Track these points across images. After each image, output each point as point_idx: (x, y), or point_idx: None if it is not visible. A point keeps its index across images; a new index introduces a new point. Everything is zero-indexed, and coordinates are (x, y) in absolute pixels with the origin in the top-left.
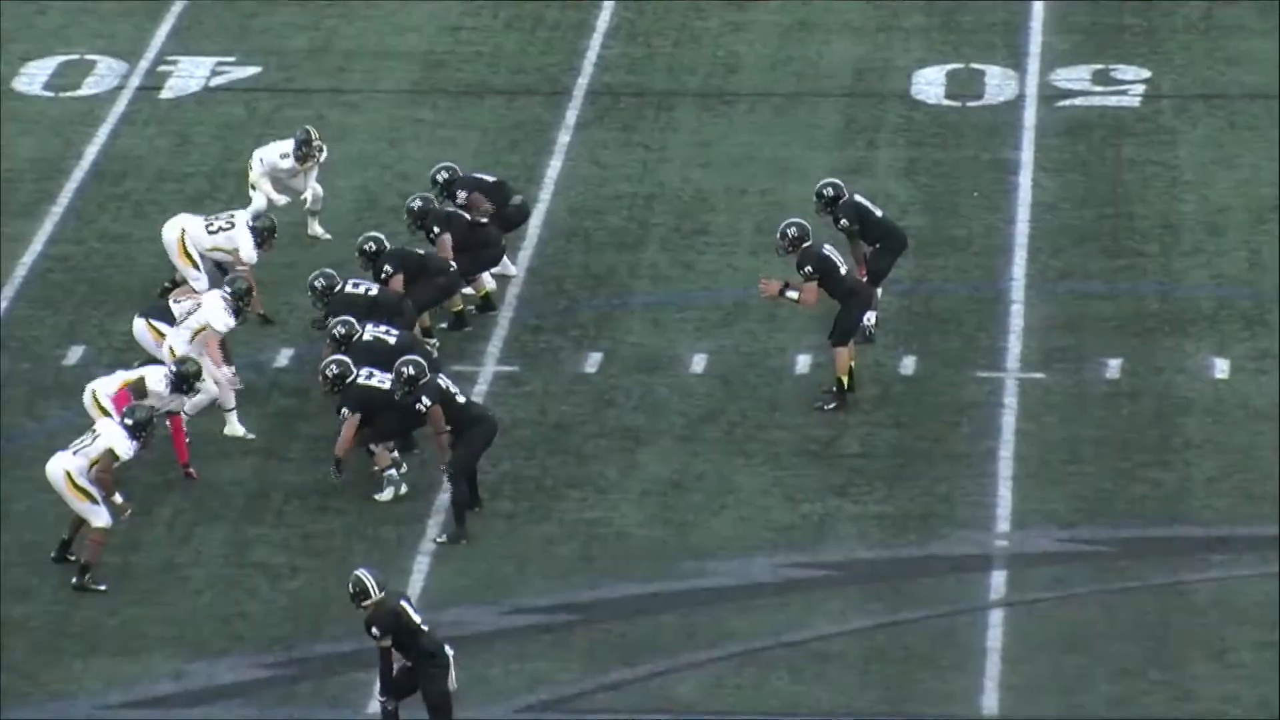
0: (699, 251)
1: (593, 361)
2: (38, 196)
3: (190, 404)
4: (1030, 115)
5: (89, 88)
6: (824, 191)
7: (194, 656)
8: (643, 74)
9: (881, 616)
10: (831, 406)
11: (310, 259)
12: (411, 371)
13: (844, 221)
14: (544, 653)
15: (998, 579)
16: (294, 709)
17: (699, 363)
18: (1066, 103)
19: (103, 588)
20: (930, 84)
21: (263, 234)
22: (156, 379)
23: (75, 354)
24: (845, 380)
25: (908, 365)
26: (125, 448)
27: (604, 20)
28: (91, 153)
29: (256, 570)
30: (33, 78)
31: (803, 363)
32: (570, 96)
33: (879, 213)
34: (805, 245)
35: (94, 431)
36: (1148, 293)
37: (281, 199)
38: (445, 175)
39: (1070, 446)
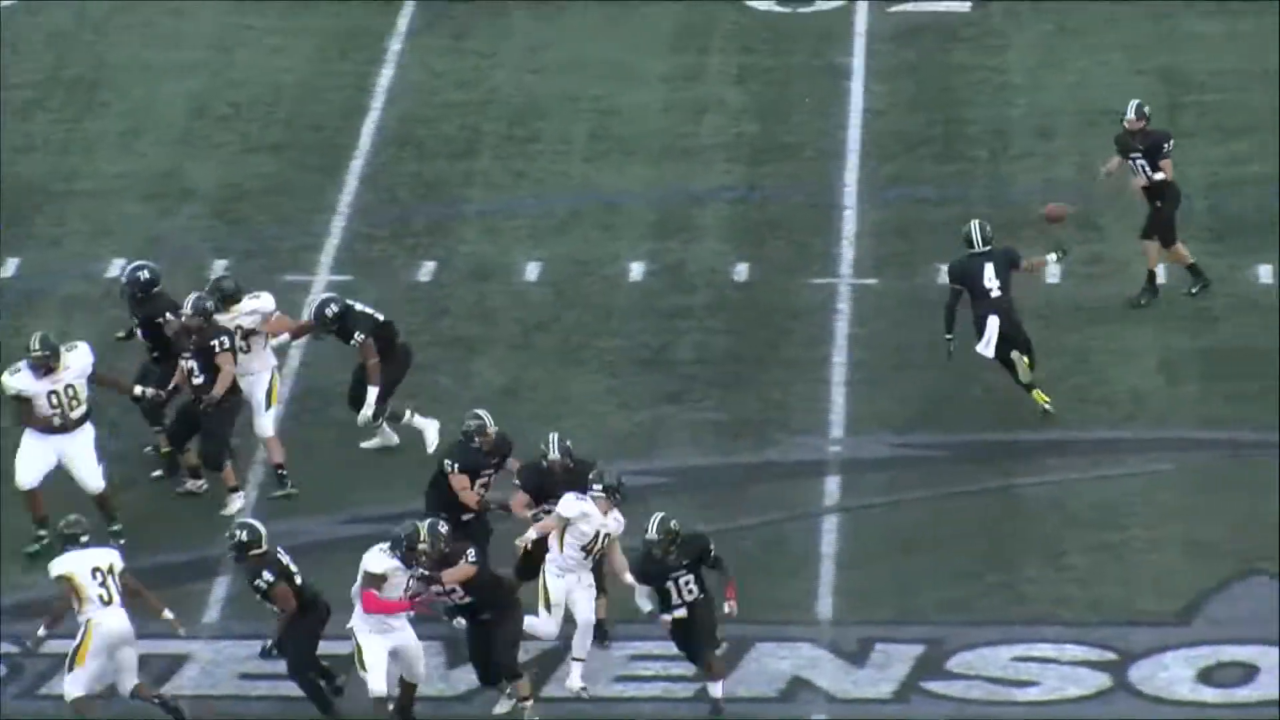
0: (532, 159)
1: (426, 270)
2: None
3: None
4: (861, 21)
5: None
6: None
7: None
8: None
9: (717, 523)
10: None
11: (140, 169)
12: (244, 537)
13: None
14: None
15: (832, 484)
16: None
17: (533, 271)
18: (897, 8)
19: None
20: None
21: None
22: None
23: None
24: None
25: (741, 272)
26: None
27: None
28: None
29: None
30: None
31: (636, 270)
32: (402, 3)
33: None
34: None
35: None
36: (978, 198)
37: None
38: (336, 309)
39: (903, 352)
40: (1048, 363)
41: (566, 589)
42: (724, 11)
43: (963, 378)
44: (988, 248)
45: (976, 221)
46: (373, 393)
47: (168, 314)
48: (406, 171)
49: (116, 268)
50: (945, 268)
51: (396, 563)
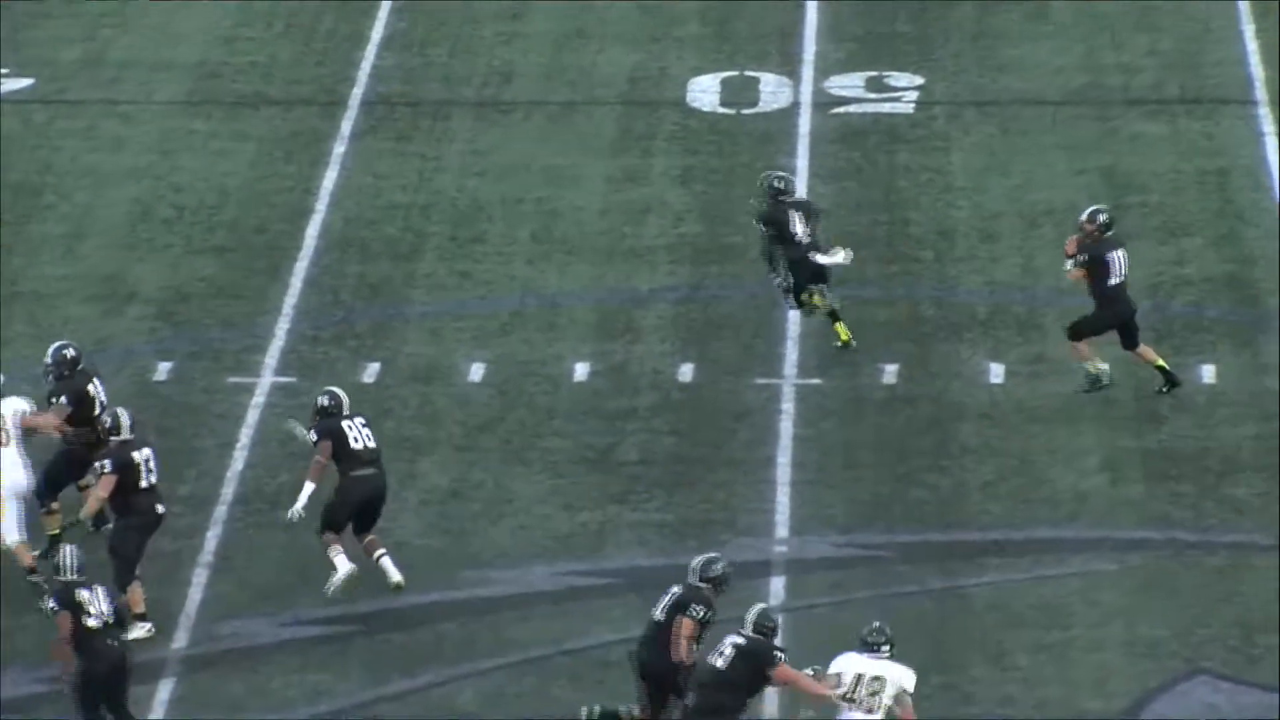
0: (476, 260)
1: (370, 372)
2: None
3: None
4: (805, 122)
5: None
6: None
7: None
8: (418, 83)
9: None
10: (1168, 389)
11: (84, 271)
12: (325, 402)
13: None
14: (324, 664)
15: (777, 584)
16: None
17: (476, 372)
18: (841, 110)
19: None
20: (705, 91)
21: None
22: None
23: None
24: (1162, 364)
25: (685, 372)
26: None
27: (378, 30)
28: None
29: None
30: None
31: (580, 371)
32: (345, 107)
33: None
34: (1108, 235)
35: None
36: (922, 298)
37: None
38: (325, 402)
39: (847, 452)
40: (991, 462)
41: None
42: (667, 113)
43: (906, 478)
44: (794, 197)
45: (778, 172)
46: (308, 488)
47: (62, 398)
48: (350, 273)
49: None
50: (889, 367)
51: None
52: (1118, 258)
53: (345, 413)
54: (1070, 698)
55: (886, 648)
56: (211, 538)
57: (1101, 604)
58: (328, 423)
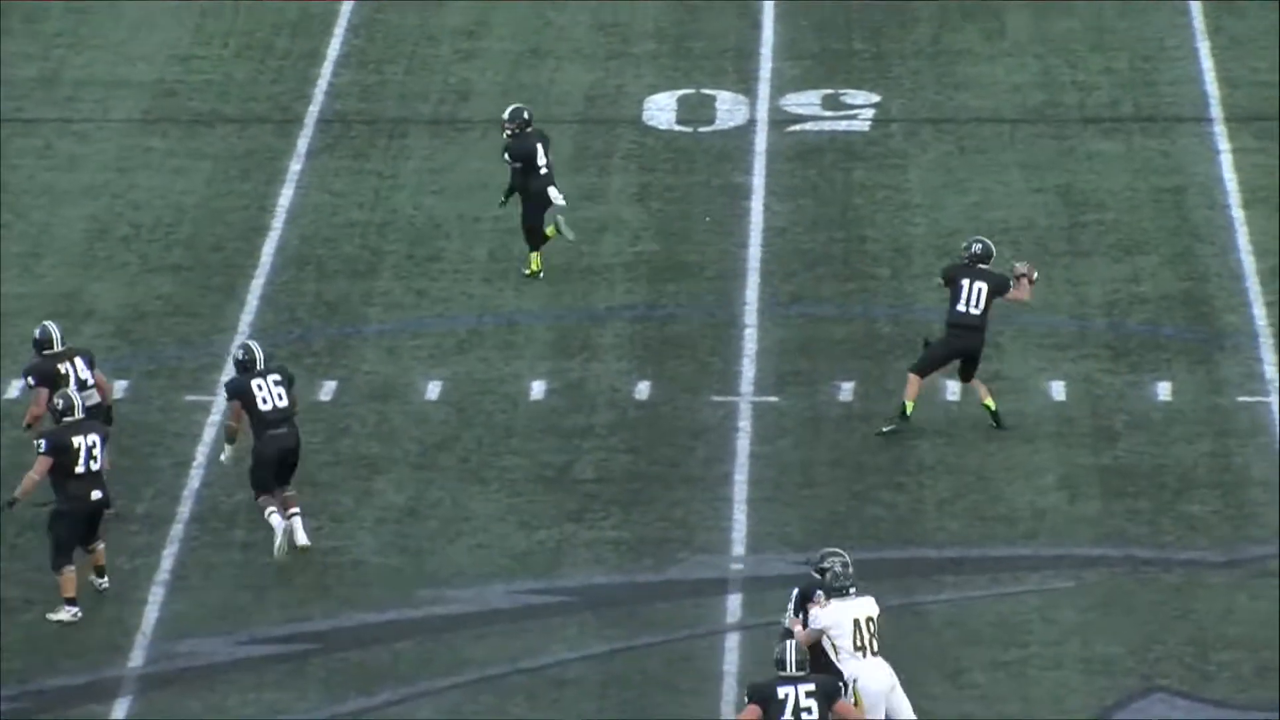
0: (432, 279)
1: (327, 390)
2: None
3: None
4: (761, 140)
5: None
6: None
7: None
8: (374, 101)
9: (618, 641)
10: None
11: (41, 290)
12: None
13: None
14: (281, 682)
15: (734, 602)
16: None
17: (433, 390)
18: (797, 127)
19: None
20: (662, 110)
21: None
22: None
23: None
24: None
25: (642, 390)
26: None
27: (335, 48)
28: None
29: None
30: None
31: (537, 389)
32: (302, 125)
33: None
34: (980, 266)
35: None
36: (879, 316)
37: None
38: (240, 356)
39: (804, 469)
40: (948, 479)
41: (870, 691)
42: (624, 131)
43: (862, 496)
44: (530, 129)
45: (516, 107)
46: (227, 448)
47: (29, 379)
48: (307, 291)
49: (17, 389)
50: (845, 385)
51: None
52: (971, 287)
53: (259, 368)
54: (1028, 715)
55: (854, 588)
56: (168, 556)
57: (1059, 621)
58: (236, 382)
